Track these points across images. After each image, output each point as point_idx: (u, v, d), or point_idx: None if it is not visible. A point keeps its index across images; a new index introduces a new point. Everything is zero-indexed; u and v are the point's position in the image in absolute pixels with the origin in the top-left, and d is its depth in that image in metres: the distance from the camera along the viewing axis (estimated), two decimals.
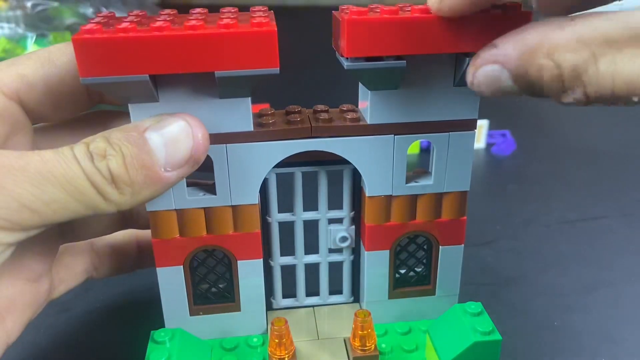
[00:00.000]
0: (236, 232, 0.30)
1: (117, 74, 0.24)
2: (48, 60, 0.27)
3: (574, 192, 0.56)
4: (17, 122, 0.28)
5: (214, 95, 0.26)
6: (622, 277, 0.43)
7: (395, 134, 0.29)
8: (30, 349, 0.37)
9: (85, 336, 0.38)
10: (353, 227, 0.32)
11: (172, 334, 0.28)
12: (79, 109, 0.30)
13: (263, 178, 0.29)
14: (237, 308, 0.32)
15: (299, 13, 1.34)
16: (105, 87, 0.24)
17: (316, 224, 0.33)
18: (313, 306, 0.35)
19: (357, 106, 0.31)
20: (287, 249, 0.33)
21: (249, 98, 0.27)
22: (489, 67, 0.22)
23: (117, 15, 0.26)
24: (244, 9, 0.27)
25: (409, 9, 0.26)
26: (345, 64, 0.25)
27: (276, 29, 0.24)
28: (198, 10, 0.26)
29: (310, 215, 0.32)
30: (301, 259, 0.33)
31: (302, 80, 0.85)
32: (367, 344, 0.29)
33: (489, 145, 0.66)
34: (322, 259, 0.34)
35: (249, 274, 0.31)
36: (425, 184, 0.30)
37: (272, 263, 0.33)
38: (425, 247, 0.33)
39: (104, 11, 0.28)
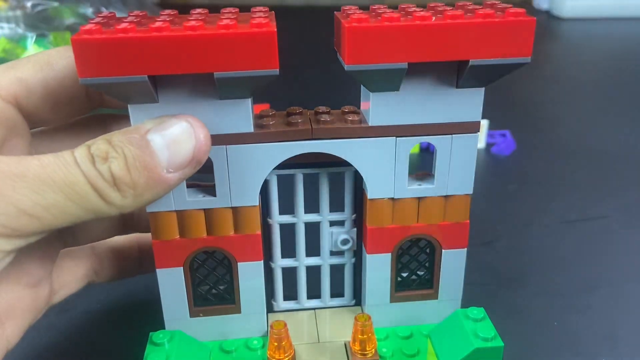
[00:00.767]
0: (236, 233, 0.30)
1: (116, 75, 0.23)
2: (47, 64, 0.27)
3: (574, 192, 0.56)
4: (14, 126, 0.27)
5: (214, 96, 0.26)
6: (622, 277, 0.43)
7: (397, 136, 0.29)
8: (30, 349, 0.37)
9: (85, 336, 0.38)
10: (355, 229, 0.32)
11: (171, 336, 0.28)
12: (78, 113, 0.30)
13: (263, 180, 0.29)
14: (237, 310, 0.31)
15: (299, 13, 1.34)
16: (104, 88, 0.24)
17: (318, 226, 0.32)
18: (314, 309, 0.34)
19: (359, 107, 0.30)
20: (289, 250, 0.33)
21: (249, 99, 0.27)
22: None
23: (118, 15, 0.26)
24: (245, 9, 0.27)
25: (412, 9, 0.26)
26: (346, 65, 0.25)
27: (276, 29, 0.23)
28: (198, 10, 0.26)
29: (311, 217, 0.32)
30: (302, 261, 0.33)
31: (303, 81, 0.85)
32: (367, 349, 0.29)
33: (489, 145, 0.65)
34: (323, 261, 0.33)
35: (249, 276, 0.31)
36: (428, 187, 0.30)
37: (273, 265, 0.33)
38: (427, 250, 0.32)
39: (104, 11, 0.28)
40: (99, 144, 0.24)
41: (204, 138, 0.25)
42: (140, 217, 0.33)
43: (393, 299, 0.32)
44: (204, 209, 0.29)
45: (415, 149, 0.59)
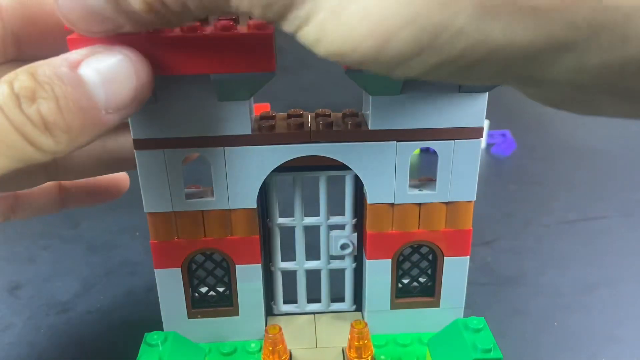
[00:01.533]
0: (234, 236, 0.29)
1: None
2: None
3: (574, 192, 0.56)
4: None
5: (212, 98, 0.26)
6: (622, 277, 0.43)
7: (397, 141, 0.28)
8: (30, 349, 0.37)
9: (85, 336, 0.38)
10: (355, 234, 0.32)
11: (165, 337, 0.28)
12: None
13: (261, 182, 0.28)
14: (235, 313, 0.31)
15: None
16: None
17: (318, 230, 0.32)
18: (314, 313, 0.34)
19: (361, 110, 0.30)
20: (289, 253, 0.33)
21: (248, 101, 0.27)
22: None
23: None
24: None
25: None
26: (345, 68, 0.25)
27: (273, 31, 0.23)
28: None
29: (311, 220, 0.32)
30: (302, 265, 0.33)
31: (303, 81, 0.85)
32: (364, 356, 0.28)
33: (489, 145, 0.65)
34: (323, 265, 0.33)
35: (248, 279, 0.30)
36: (429, 193, 0.29)
37: (272, 268, 0.33)
38: (429, 257, 0.32)
39: None
40: (22, 79, 0.20)
41: (146, 75, 0.22)
42: (66, 169, 0.30)
43: (393, 306, 0.32)
44: (202, 211, 0.29)
45: (415, 150, 0.59)
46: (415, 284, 0.33)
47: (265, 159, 0.28)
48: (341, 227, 0.32)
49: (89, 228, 0.50)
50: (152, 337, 0.28)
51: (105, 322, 0.39)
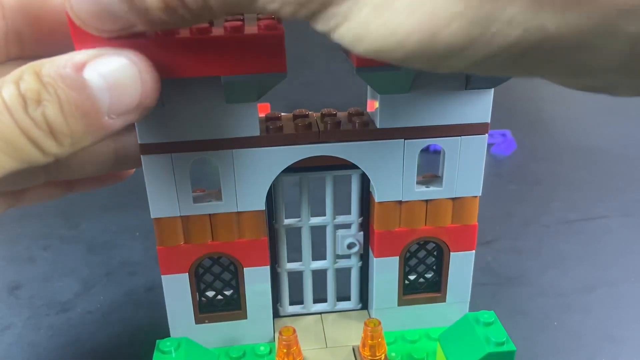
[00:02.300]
0: (242, 238, 0.29)
1: None
2: None
3: (574, 192, 0.56)
4: None
5: (220, 100, 0.26)
6: (622, 277, 0.43)
7: (405, 139, 0.28)
8: (30, 349, 0.37)
9: (85, 336, 0.38)
10: (361, 233, 0.32)
11: (178, 344, 0.28)
12: None
13: (270, 184, 0.28)
14: (244, 316, 0.31)
15: None
16: None
17: (324, 230, 0.32)
18: (320, 313, 0.34)
19: (362, 108, 0.30)
20: (295, 254, 0.33)
21: (256, 102, 0.27)
22: None
23: None
24: None
25: None
26: (355, 67, 0.25)
27: (284, 31, 0.23)
28: None
29: (317, 220, 0.32)
30: (308, 265, 0.33)
31: (302, 81, 0.85)
32: (377, 354, 0.29)
33: (489, 145, 0.65)
34: (329, 265, 0.33)
35: (256, 281, 0.30)
36: (436, 189, 0.30)
37: (279, 269, 0.33)
38: (435, 253, 0.32)
39: None
40: (28, 80, 0.20)
41: (152, 81, 0.21)
42: (67, 168, 0.30)
43: (401, 303, 0.32)
44: (210, 214, 0.29)
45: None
46: (421, 280, 0.33)
47: (274, 160, 0.28)
48: (346, 226, 0.32)
49: (89, 228, 0.50)
50: (164, 344, 0.28)
51: (105, 322, 0.39)
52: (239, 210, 0.29)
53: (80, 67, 0.20)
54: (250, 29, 0.23)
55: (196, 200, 0.28)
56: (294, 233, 0.32)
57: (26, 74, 0.20)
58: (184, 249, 0.29)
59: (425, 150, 0.29)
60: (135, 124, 0.26)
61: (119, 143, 0.30)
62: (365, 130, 0.28)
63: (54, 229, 0.50)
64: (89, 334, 0.38)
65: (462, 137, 0.29)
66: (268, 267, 0.30)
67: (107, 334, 0.38)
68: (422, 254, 0.32)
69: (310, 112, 0.29)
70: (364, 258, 0.33)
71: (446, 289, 0.32)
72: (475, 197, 0.30)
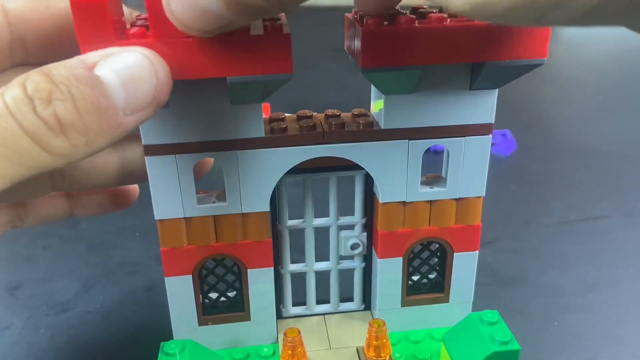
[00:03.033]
0: (246, 240, 0.29)
1: None
2: None
3: (574, 192, 0.56)
4: None
5: (225, 101, 0.26)
6: (622, 277, 0.43)
7: (409, 139, 0.28)
8: (30, 349, 0.37)
9: (85, 336, 0.38)
10: (365, 233, 0.32)
11: (183, 346, 0.28)
12: None
13: (275, 185, 0.28)
14: (247, 317, 0.31)
15: (299, 13, 1.34)
16: None
17: (327, 231, 0.32)
18: (323, 314, 0.34)
19: (363, 109, 0.30)
20: (298, 256, 0.33)
21: (261, 103, 0.27)
22: None
23: None
24: None
25: (427, 11, 0.26)
26: (361, 68, 0.25)
27: (290, 32, 0.23)
28: None
29: (321, 221, 0.32)
30: (312, 267, 0.33)
31: (301, 80, 0.85)
32: (382, 355, 0.29)
33: None
34: (332, 266, 0.33)
35: (259, 283, 0.30)
36: (440, 190, 0.30)
37: (282, 271, 0.33)
38: (438, 253, 0.32)
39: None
40: (36, 80, 0.19)
41: (165, 75, 0.21)
42: (72, 178, 0.29)
43: (404, 303, 0.32)
44: (214, 216, 0.29)
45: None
46: (424, 280, 0.33)
47: (278, 161, 0.28)
48: (349, 227, 0.32)
49: (88, 228, 0.50)
50: (169, 346, 0.27)
51: (105, 322, 0.39)
52: (243, 212, 0.29)
53: (92, 67, 0.20)
54: (257, 30, 0.23)
55: (200, 201, 0.28)
56: (297, 234, 0.32)
57: (34, 76, 0.19)
58: (187, 250, 0.29)
59: (426, 150, 0.29)
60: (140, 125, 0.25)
61: (124, 154, 0.29)
62: (369, 131, 0.28)
63: (53, 229, 0.50)
64: (89, 334, 0.38)
65: (466, 137, 0.29)
66: (272, 269, 0.30)
67: (107, 334, 0.38)
68: (425, 254, 0.32)
69: (314, 113, 0.29)
70: (368, 259, 0.33)
71: (449, 290, 0.32)
72: (479, 197, 0.30)
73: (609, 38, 1.15)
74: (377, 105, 0.29)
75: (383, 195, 0.29)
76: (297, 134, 0.28)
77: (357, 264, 0.33)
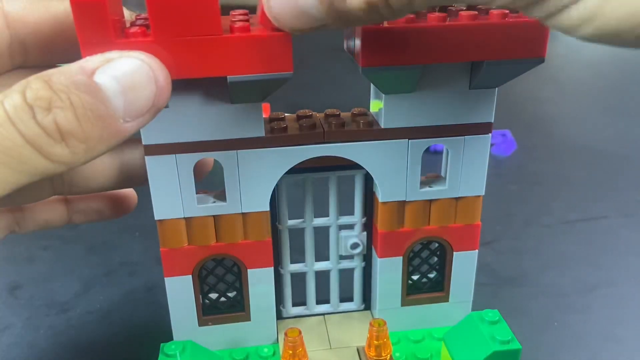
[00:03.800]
0: (246, 240, 0.29)
1: None
2: None
3: (574, 192, 0.56)
4: None
5: (225, 101, 0.26)
6: (622, 277, 0.43)
7: (409, 138, 0.28)
8: (30, 349, 0.37)
9: (85, 336, 0.38)
10: (365, 233, 0.32)
11: (183, 347, 0.27)
12: None
13: (275, 184, 0.28)
14: (247, 318, 0.31)
15: None
16: None
17: (327, 231, 0.32)
18: (323, 314, 0.34)
19: (365, 108, 0.30)
20: (297, 256, 0.33)
21: (261, 103, 0.27)
22: None
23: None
24: (251, 10, 0.26)
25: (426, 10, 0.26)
26: (361, 67, 0.25)
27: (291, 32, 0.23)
28: None
29: (320, 221, 0.32)
30: (311, 267, 0.33)
31: (300, 80, 0.85)
32: (383, 354, 0.29)
33: None
34: (332, 266, 0.33)
35: (259, 283, 0.30)
36: (440, 189, 0.30)
37: (282, 271, 0.32)
38: (438, 253, 0.32)
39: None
40: (36, 88, 0.19)
41: (164, 81, 0.21)
42: (72, 183, 0.29)
43: (404, 303, 0.32)
44: (214, 215, 0.28)
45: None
46: (424, 280, 0.33)
47: (278, 161, 0.28)
48: (349, 226, 0.32)
49: (88, 228, 0.50)
50: (169, 347, 0.27)
51: (105, 322, 0.39)
52: (243, 212, 0.29)
53: (92, 73, 0.20)
54: (258, 29, 0.23)
55: (200, 201, 0.28)
56: (297, 234, 0.32)
57: (33, 83, 0.19)
58: (187, 250, 0.29)
59: (426, 150, 0.29)
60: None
61: (124, 157, 0.29)
62: (369, 130, 0.28)
63: (53, 229, 0.50)
64: (89, 334, 0.38)
65: (465, 137, 0.29)
66: (272, 269, 0.30)
67: (107, 334, 0.38)
68: (425, 253, 0.32)
69: (314, 113, 0.29)
70: (368, 258, 0.33)
71: (449, 289, 0.32)
72: (479, 196, 0.30)
73: None
74: (375, 105, 0.29)
75: (383, 194, 0.29)
76: (297, 133, 0.28)
77: (357, 264, 0.33)
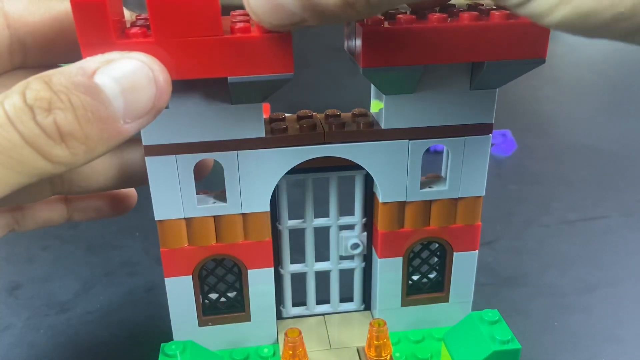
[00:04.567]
0: (246, 240, 0.29)
1: None
2: None
3: (574, 192, 0.56)
4: None
5: (225, 101, 0.26)
6: (622, 277, 0.43)
7: (410, 139, 0.28)
8: (30, 349, 0.37)
9: (85, 336, 0.38)
10: (365, 233, 0.32)
11: (183, 347, 0.28)
12: None
13: (275, 185, 0.28)
14: (247, 318, 0.31)
15: None
16: None
17: (327, 231, 0.32)
18: (323, 314, 0.34)
19: (365, 109, 0.30)
20: (298, 256, 0.33)
21: (261, 103, 0.27)
22: None
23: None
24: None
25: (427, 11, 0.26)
26: (361, 68, 0.25)
27: (292, 32, 0.23)
28: None
29: (321, 221, 0.32)
30: (312, 267, 0.33)
31: (301, 80, 0.85)
32: (383, 354, 0.29)
33: None
34: (333, 266, 0.33)
35: (260, 283, 0.30)
36: (440, 190, 0.30)
37: (282, 271, 0.32)
38: (438, 253, 0.32)
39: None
40: (36, 89, 0.19)
41: (164, 82, 0.21)
42: (72, 183, 0.29)
43: (404, 303, 0.32)
44: (214, 216, 0.28)
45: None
46: (424, 280, 0.33)
47: (279, 161, 0.28)
48: (349, 227, 0.32)
49: (88, 228, 0.50)
50: (170, 347, 0.27)
51: (105, 322, 0.39)
52: (243, 212, 0.29)
53: (92, 74, 0.20)
54: (258, 30, 0.23)
55: (200, 201, 0.28)
56: (297, 234, 0.32)
57: (33, 84, 0.19)
58: (187, 251, 0.29)
59: (426, 150, 0.29)
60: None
61: (123, 157, 0.29)
62: (370, 130, 0.28)
63: (53, 229, 0.50)
64: (89, 334, 0.38)
65: (466, 137, 0.29)
66: (272, 269, 0.30)
67: (107, 334, 0.38)
68: (425, 254, 0.32)
69: (314, 113, 0.29)
70: (368, 259, 0.33)
71: (449, 289, 0.32)
72: (479, 197, 0.30)
73: None
74: (375, 105, 0.29)
75: (383, 195, 0.29)
76: (298, 134, 0.28)
77: (357, 264, 0.33)
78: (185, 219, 0.28)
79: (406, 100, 0.27)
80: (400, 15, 0.24)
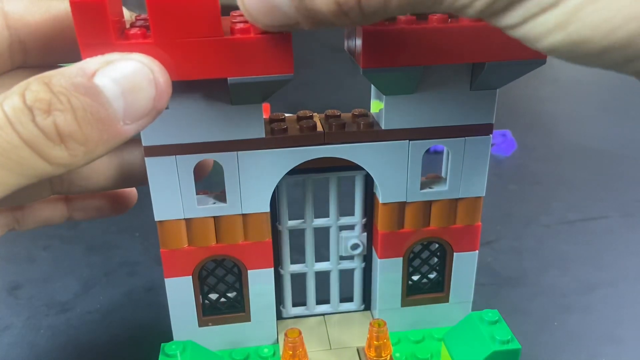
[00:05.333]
0: (246, 241, 0.29)
1: None
2: None
3: (574, 192, 0.56)
4: None
5: (225, 102, 0.26)
6: (622, 277, 0.43)
7: (410, 140, 0.28)
8: (30, 349, 0.37)
9: (85, 336, 0.38)
10: (365, 234, 0.32)
11: (183, 347, 0.28)
12: None
13: (275, 186, 0.28)
14: (247, 318, 0.31)
15: None
16: None
17: (327, 231, 0.32)
18: (323, 314, 0.34)
19: (365, 109, 0.30)
20: (298, 256, 0.33)
21: (261, 104, 0.26)
22: None
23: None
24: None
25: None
26: (361, 68, 0.25)
27: (291, 33, 0.23)
28: None
29: (321, 222, 0.32)
30: (312, 267, 0.33)
31: (301, 80, 0.85)
32: (383, 355, 0.29)
33: None
34: (333, 266, 0.33)
35: (260, 283, 0.30)
36: (440, 190, 0.30)
37: (282, 271, 0.32)
38: (438, 253, 0.32)
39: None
40: (35, 90, 0.19)
41: (164, 83, 0.21)
42: (71, 183, 0.29)
43: (404, 303, 0.32)
44: (214, 216, 0.28)
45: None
46: (424, 280, 0.33)
47: (279, 162, 0.28)
48: (349, 227, 0.32)
49: (88, 228, 0.50)
50: (170, 347, 0.27)
51: (105, 322, 0.39)
52: (243, 212, 0.29)
53: (92, 76, 0.20)
54: (258, 30, 0.23)
55: (200, 202, 0.28)
56: (297, 234, 0.32)
57: (33, 85, 0.19)
58: (187, 251, 0.29)
59: (426, 150, 0.29)
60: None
61: (123, 157, 0.29)
62: (370, 131, 0.28)
63: (53, 229, 0.50)
64: (89, 334, 0.38)
65: (466, 138, 0.29)
66: (272, 270, 0.30)
67: (107, 334, 0.38)
68: (425, 254, 0.32)
69: (314, 114, 0.29)
70: (368, 259, 0.33)
71: (449, 289, 0.32)
72: (479, 197, 0.30)
73: None
74: (376, 105, 0.29)
75: (383, 195, 0.29)
76: (298, 134, 0.28)
77: (357, 264, 0.33)
78: (185, 219, 0.28)
79: (406, 101, 0.27)
80: (400, 16, 0.24)
